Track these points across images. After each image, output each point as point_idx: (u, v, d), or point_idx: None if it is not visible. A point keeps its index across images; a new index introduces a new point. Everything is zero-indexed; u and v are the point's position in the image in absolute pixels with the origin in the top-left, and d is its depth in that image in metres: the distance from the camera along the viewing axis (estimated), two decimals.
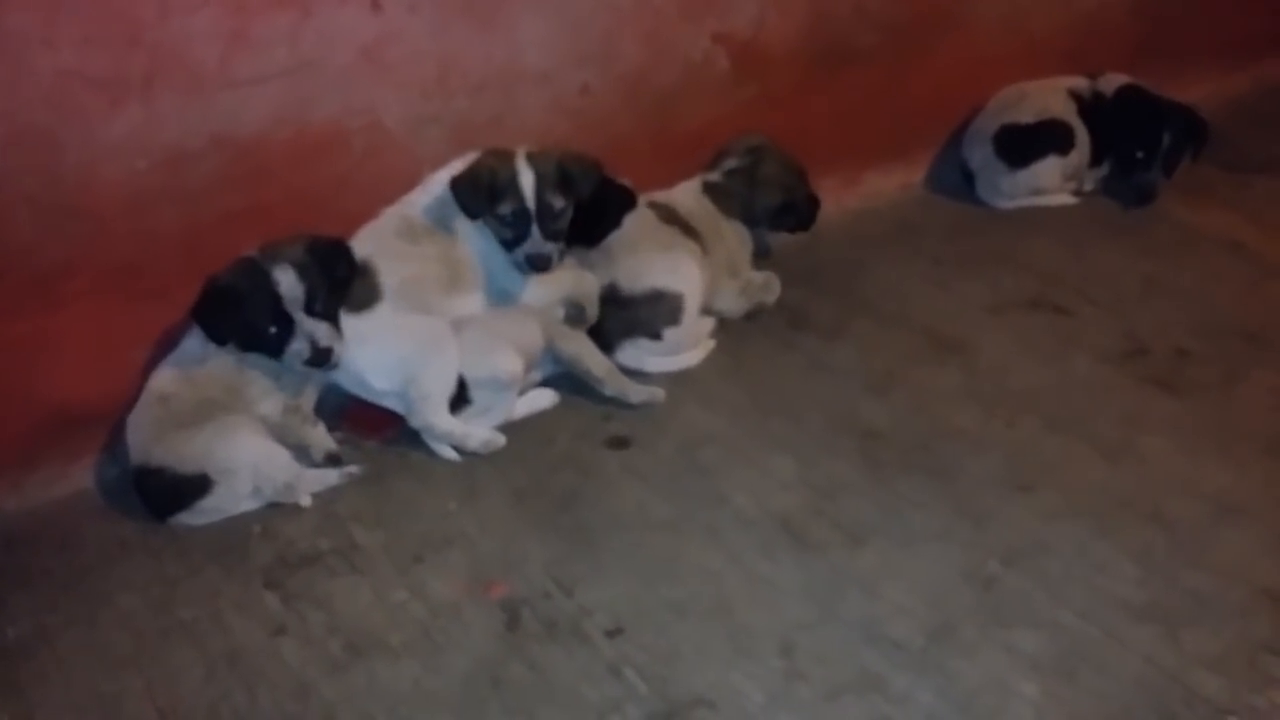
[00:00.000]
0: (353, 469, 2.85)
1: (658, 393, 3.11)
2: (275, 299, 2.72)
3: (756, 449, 2.94)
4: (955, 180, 4.18)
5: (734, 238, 3.47)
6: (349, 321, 2.86)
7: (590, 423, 3.04)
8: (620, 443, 2.98)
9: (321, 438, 2.91)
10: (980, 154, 4.05)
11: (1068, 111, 4.04)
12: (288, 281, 2.73)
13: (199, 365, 2.77)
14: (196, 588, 2.58)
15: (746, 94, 3.57)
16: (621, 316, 3.17)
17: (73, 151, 2.60)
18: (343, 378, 2.93)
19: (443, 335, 2.91)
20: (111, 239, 2.71)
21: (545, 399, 3.12)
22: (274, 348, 2.76)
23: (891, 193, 3.90)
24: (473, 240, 3.01)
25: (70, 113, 2.56)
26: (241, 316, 2.72)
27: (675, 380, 3.18)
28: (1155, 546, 2.61)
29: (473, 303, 3.03)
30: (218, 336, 2.73)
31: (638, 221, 3.24)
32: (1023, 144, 3.99)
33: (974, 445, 2.93)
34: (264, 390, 2.82)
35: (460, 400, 2.93)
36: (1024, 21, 4.14)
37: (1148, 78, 4.15)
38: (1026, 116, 4.00)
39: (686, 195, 3.44)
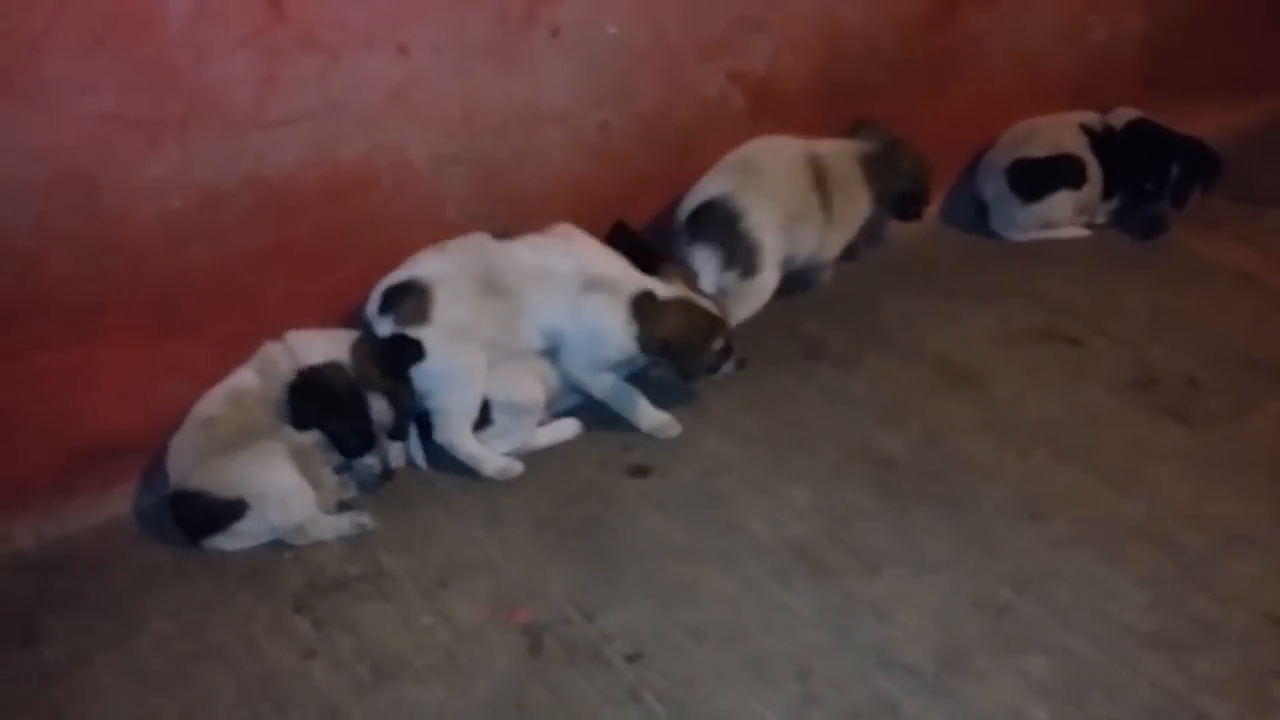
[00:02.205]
0: (364, 520, 2.87)
1: (673, 425, 3.18)
2: (366, 421, 2.87)
3: (773, 478, 3.00)
4: (968, 213, 4.24)
5: (861, 208, 3.68)
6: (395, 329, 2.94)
7: (611, 452, 3.11)
8: (640, 471, 3.04)
9: (333, 483, 2.95)
10: (993, 187, 4.12)
11: (1079, 146, 4.10)
12: (380, 409, 2.88)
13: (251, 392, 2.85)
14: (229, 612, 2.66)
15: (761, 131, 3.63)
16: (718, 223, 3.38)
17: (110, 191, 2.69)
18: None
19: (473, 368, 2.97)
20: (146, 275, 2.80)
21: (568, 429, 3.19)
22: (351, 454, 2.91)
23: (905, 226, 3.96)
24: (547, 318, 3.03)
25: (109, 154, 2.66)
26: (332, 424, 2.87)
27: (694, 411, 3.24)
28: (1164, 574, 2.65)
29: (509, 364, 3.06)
30: (305, 426, 2.86)
31: (785, 165, 3.49)
32: (1035, 178, 4.05)
33: (986, 475, 2.98)
34: None
35: (482, 420, 3.01)
36: (1033, 59, 4.21)
37: (1157, 111, 4.21)
38: (1039, 151, 4.07)
39: (842, 157, 3.63)
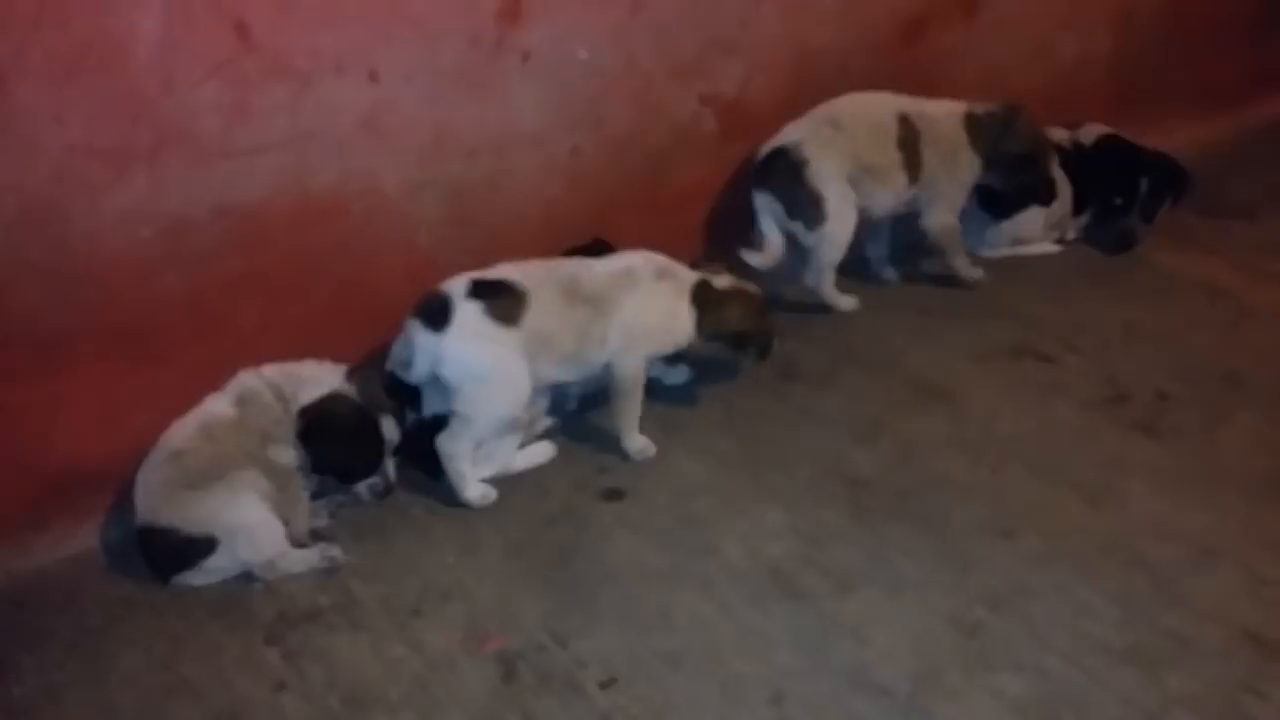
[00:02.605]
0: (335, 553, 2.85)
1: (651, 448, 3.19)
2: (382, 445, 2.94)
3: (748, 499, 3.00)
4: None
5: (965, 170, 3.74)
6: (480, 319, 2.88)
7: (585, 475, 3.11)
8: (615, 495, 3.04)
9: (307, 509, 2.95)
10: (965, 205, 4.13)
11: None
12: (389, 429, 2.95)
13: (226, 423, 2.83)
14: (199, 645, 2.63)
15: (734, 152, 3.67)
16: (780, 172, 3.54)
17: (79, 221, 2.68)
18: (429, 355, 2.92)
19: (521, 388, 2.95)
20: (116, 305, 2.79)
21: (543, 453, 3.18)
22: (357, 480, 2.96)
23: None
24: (629, 313, 3.07)
25: (77, 185, 2.65)
26: (353, 458, 2.94)
27: (667, 432, 3.24)
28: (1137, 589, 2.66)
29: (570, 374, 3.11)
30: (322, 469, 2.91)
31: (868, 121, 3.61)
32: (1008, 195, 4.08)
33: (960, 492, 2.99)
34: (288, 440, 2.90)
35: None
36: (1004, 77, 4.24)
37: (1127, 127, 4.26)
38: None
39: (946, 117, 3.72)
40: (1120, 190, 4.10)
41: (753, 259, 3.60)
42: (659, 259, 3.16)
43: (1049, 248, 4.16)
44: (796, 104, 3.76)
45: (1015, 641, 2.54)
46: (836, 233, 3.61)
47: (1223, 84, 4.98)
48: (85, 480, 2.89)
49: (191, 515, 2.71)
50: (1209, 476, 3.02)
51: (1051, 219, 4.14)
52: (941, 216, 3.81)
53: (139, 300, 2.82)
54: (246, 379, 2.87)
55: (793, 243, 3.67)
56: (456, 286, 2.92)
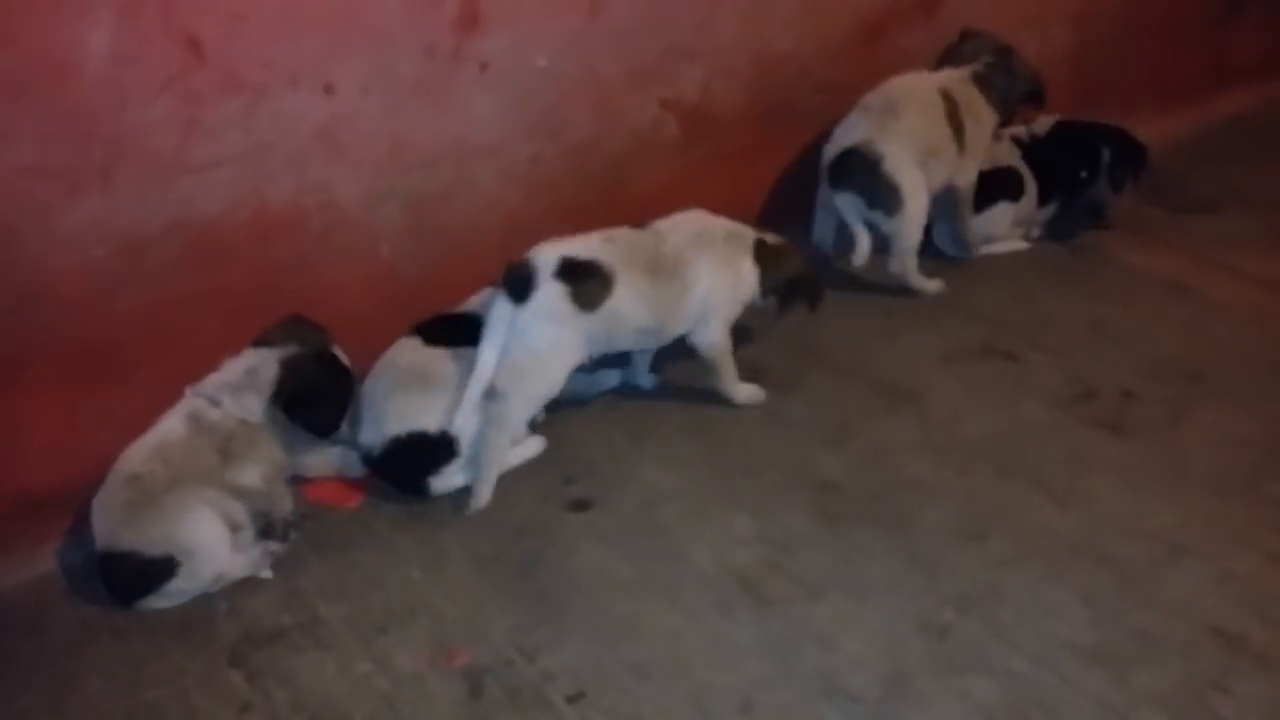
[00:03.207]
0: (275, 546, 2.85)
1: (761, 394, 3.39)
2: (352, 378, 3.01)
3: (715, 506, 2.99)
4: None
5: (989, 126, 3.96)
6: (560, 301, 2.93)
7: (552, 486, 3.09)
8: (581, 505, 3.02)
9: (289, 502, 2.96)
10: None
11: (1014, 158, 4.15)
12: (344, 356, 3.01)
13: (179, 443, 2.80)
14: (162, 668, 2.59)
15: (696, 156, 3.66)
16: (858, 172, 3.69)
17: (31, 241, 2.64)
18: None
19: (562, 377, 3.04)
20: (72, 325, 2.75)
21: (534, 447, 3.17)
22: (339, 426, 2.99)
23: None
24: (708, 280, 3.17)
25: (29, 205, 2.60)
26: (338, 405, 2.96)
27: (635, 440, 3.24)
28: (1104, 588, 2.67)
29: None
30: (319, 428, 2.94)
31: (921, 105, 3.76)
32: (976, 192, 4.09)
33: (927, 494, 2.99)
34: (259, 455, 2.87)
35: (449, 454, 2.98)
36: None
37: None
38: None
39: (965, 84, 3.91)
40: (1083, 163, 4.16)
41: (855, 259, 3.78)
42: (721, 220, 3.27)
43: (1018, 244, 4.17)
44: (758, 108, 3.78)
45: (984, 644, 2.54)
46: (914, 215, 3.77)
47: (1183, 79, 5.02)
48: (45, 502, 2.85)
49: (152, 537, 2.67)
50: (1174, 473, 3.03)
51: (1020, 215, 4.15)
52: (971, 174, 3.99)
53: (95, 320, 2.78)
54: (191, 399, 2.85)
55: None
56: (546, 261, 2.96)
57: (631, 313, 3.04)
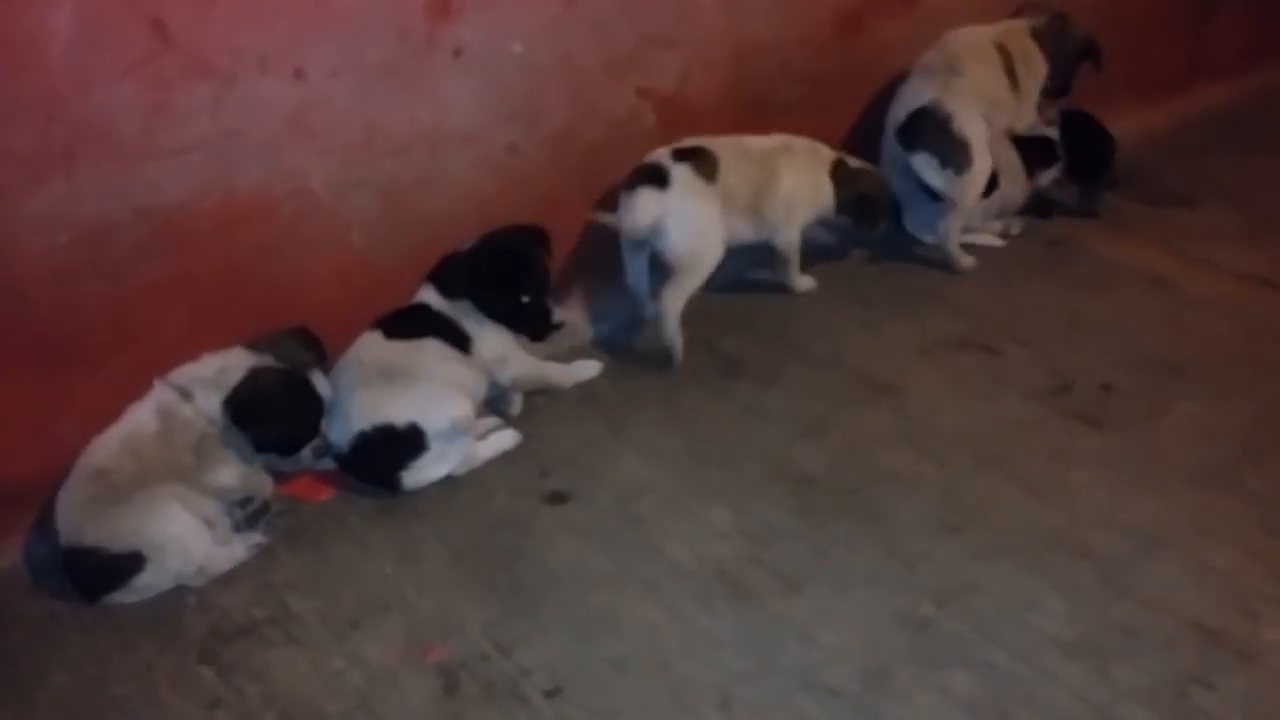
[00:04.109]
0: (258, 539, 2.82)
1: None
2: (319, 404, 2.91)
3: (693, 499, 2.96)
4: None
5: (1040, 73, 4.12)
6: (692, 178, 3.38)
7: (528, 479, 3.05)
8: (558, 498, 2.98)
9: (269, 485, 2.93)
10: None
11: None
12: (323, 386, 2.93)
13: (150, 437, 2.74)
14: (130, 664, 2.54)
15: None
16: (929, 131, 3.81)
17: None
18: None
19: (721, 242, 3.47)
20: (35, 314, 2.69)
21: (509, 439, 3.14)
22: (297, 449, 2.91)
23: (820, 237, 3.97)
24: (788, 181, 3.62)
25: None
26: (299, 430, 2.89)
27: (612, 432, 3.20)
28: (1083, 582, 2.65)
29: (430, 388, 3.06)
30: (272, 448, 2.87)
31: (981, 61, 3.91)
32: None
33: (906, 487, 2.97)
34: (230, 456, 2.82)
35: (418, 448, 2.93)
36: None
37: None
38: None
39: (1019, 36, 4.07)
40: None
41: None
42: (804, 139, 3.70)
43: (993, 241, 4.15)
44: (737, 98, 3.74)
45: (963, 638, 2.52)
46: (979, 174, 3.85)
47: (1161, 72, 5.02)
48: (9, 495, 2.79)
49: (118, 533, 2.62)
50: (1153, 466, 3.02)
51: (991, 209, 4.12)
52: (1030, 117, 4.18)
53: (59, 309, 2.72)
54: (161, 390, 2.79)
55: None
56: (661, 154, 3.43)
57: (738, 187, 3.48)
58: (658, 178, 3.35)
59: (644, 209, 3.33)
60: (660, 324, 3.43)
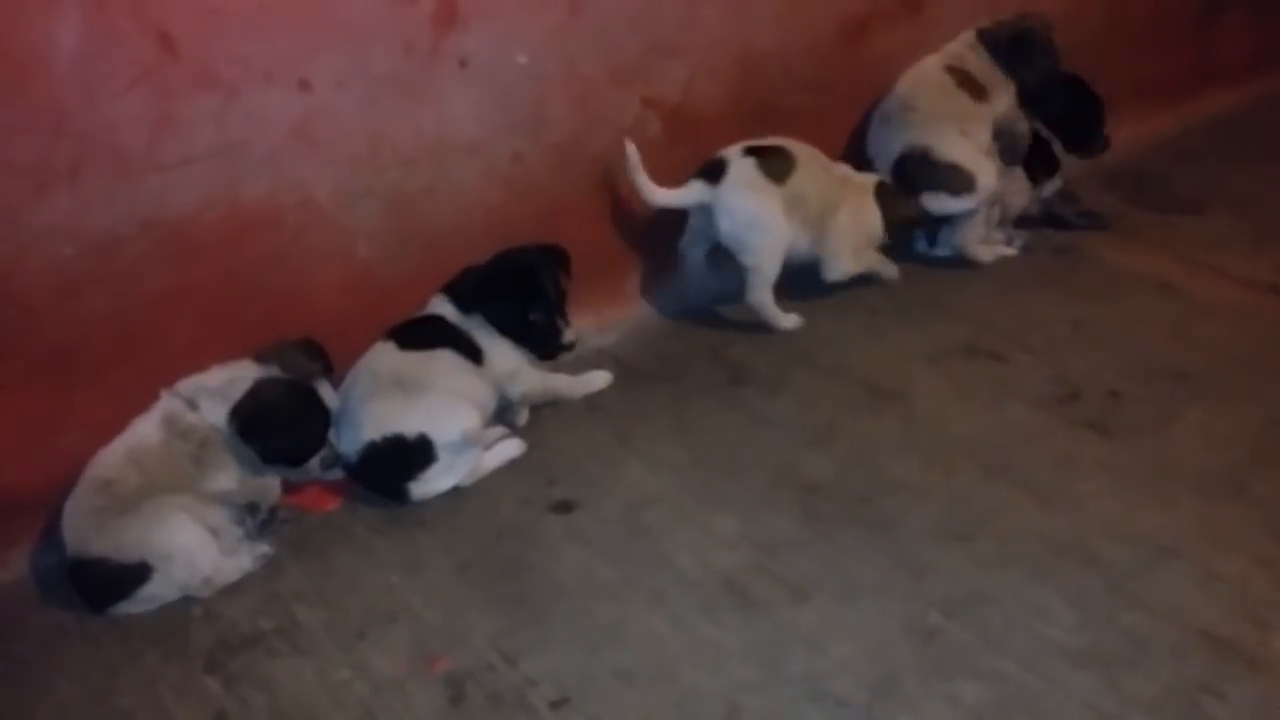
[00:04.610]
0: (265, 550, 2.82)
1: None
2: (326, 415, 2.89)
3: (700, 508, 2.95)
4: None
5: (998, 75, 4.02)
6: (753, 173, 3.48)
7: (534, 488, 3.04)
8: (564, 507, 2.98)
9: (276, 491, 2.92)
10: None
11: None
12: (329, 395, 2.91)
13: (154, 448, 2.74)
14: (136, 674, 2.54)
15: (679, 155, 3.61)
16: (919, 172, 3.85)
17: None
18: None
19: (784, 237, 3.55)
20: (40, 326, 2.69)
21: (513, 449, 3.14)
22: (304, 460, 2.89)
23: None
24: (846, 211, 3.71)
25: None
26: (305, 442, 2.87)
27: (619, 441, 3.20)
28: (1092, 590, 2.64)
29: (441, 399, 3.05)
30: (277, 460, 2.85)
31: (933, 89, 3.89)
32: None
33: (913, 495, 2.96)
34: (231, 463, 2.81)
35: (427, 459, 2.93)
36: None
37: None
38: None
39: (968, 51, 3.99)
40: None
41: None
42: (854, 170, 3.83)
43: (1006, 250, 4.12)
44: (741, 107, 3.73)
45: (971, 647, 2.50)
46: (988, 172, 3.87)
47: (1167, 78, 5.01)
48: (15, 506, 2.79)
49: (124, 543, 2.62)
50: (1161, 474, 3.00)
51: (993, 219, 4.10)
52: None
53: (64, 321, 2.73)
54: (168, 400, 2.79)
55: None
56: (732, 149, 3.52)
57: (810, 196, 3.54)
58: (713, 171, 3.47)
59: (689, 199, 3.48)
60: (761, 315, 3.62)
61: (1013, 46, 3.98)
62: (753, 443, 3.19)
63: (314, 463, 2.91)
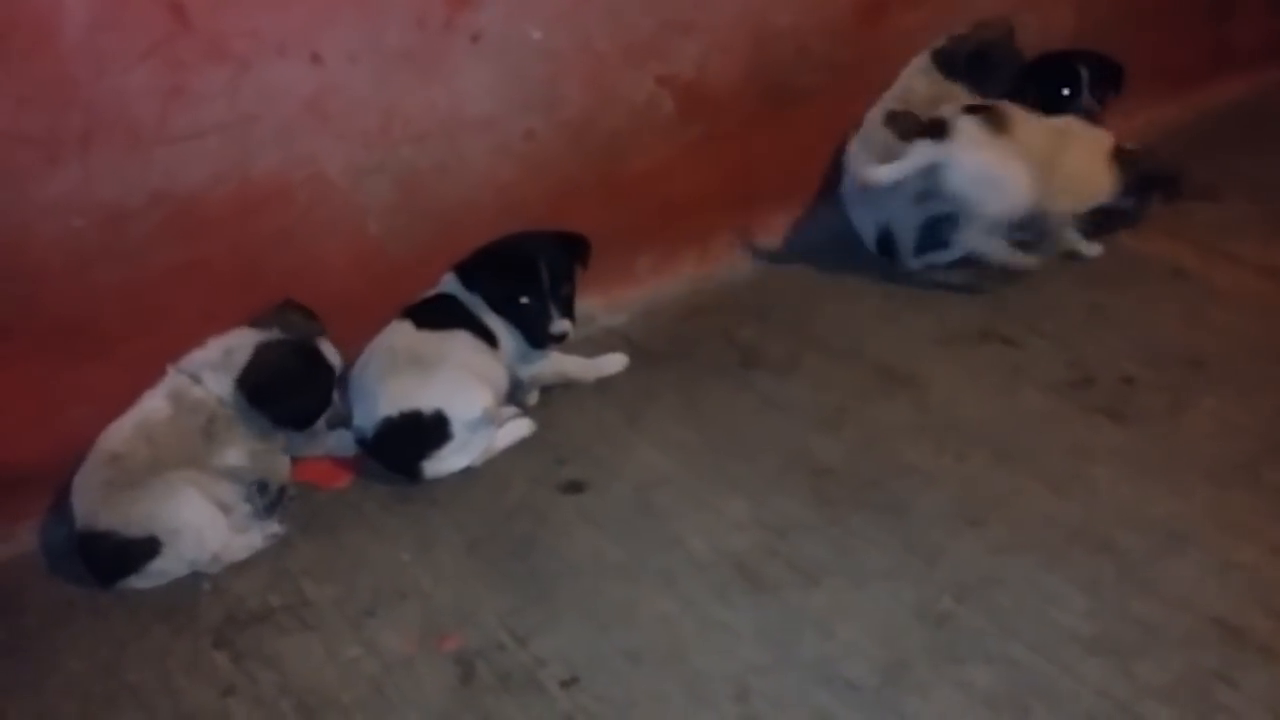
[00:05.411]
0: (276, 529, 2.81)
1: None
2: (331, 374, 2.89)
3: (710, 490, 2.94)
4: None
5: (957, 90, 3.95)
6: (978, 129, 3.53)
7: (545, 468, 3.03)
8: (575, 487, 2.97)
9: (286, 468, 2.92)
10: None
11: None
12: (330, 353, 2.90)
13: (163, 423, 2.74)
14: (144, 649, 2.55)
15: (692, 134, 3.59)
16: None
17: (8, 212, 2.57)
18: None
19: (1022, 184, 3.56)
20: (49, 298, 2.69)
21: (523, 428, 3.13)
22: (311, 421, 2.90)
23: (840, 226, 3.94)
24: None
25: (5, 174, 2.54)
26: (315, 401, 2.87)
27: (629, 422, 3.18)
28: (1104, 577, 2.62)
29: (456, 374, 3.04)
30: (283, 420, 2.85)
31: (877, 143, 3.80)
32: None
33: (925, 480, 2.94)
34: (239, 435, 2.81)
35: (442, 437, 2.92)
36: None
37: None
38: None
39: (918, 78, 3.94)
40: (1064, 80, 4.05)
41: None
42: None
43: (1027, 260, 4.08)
44: (756, 86, 3.70)
45: (983, 632, 2.49)
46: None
47: (1182, 65, 4.96)
48: (24, 480, 2.79)
49: (132, 517, 2.62)
50: (1174, 461, 2.98)
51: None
52: None
53: (74, 293, 2.72)
54: (174, 376, 2.78)
55: None
56: (948, 110, 3.62)
57: (1034, 148, 3.55)
58: (937, 130, 3.53)
59: (917, 163, 3.51)
60: (998, 262, 3.69)
61: (971, 64, 3.93)
62: (764, 425, 3.18)
63: (320, 423, 2.91)
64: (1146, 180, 3.79)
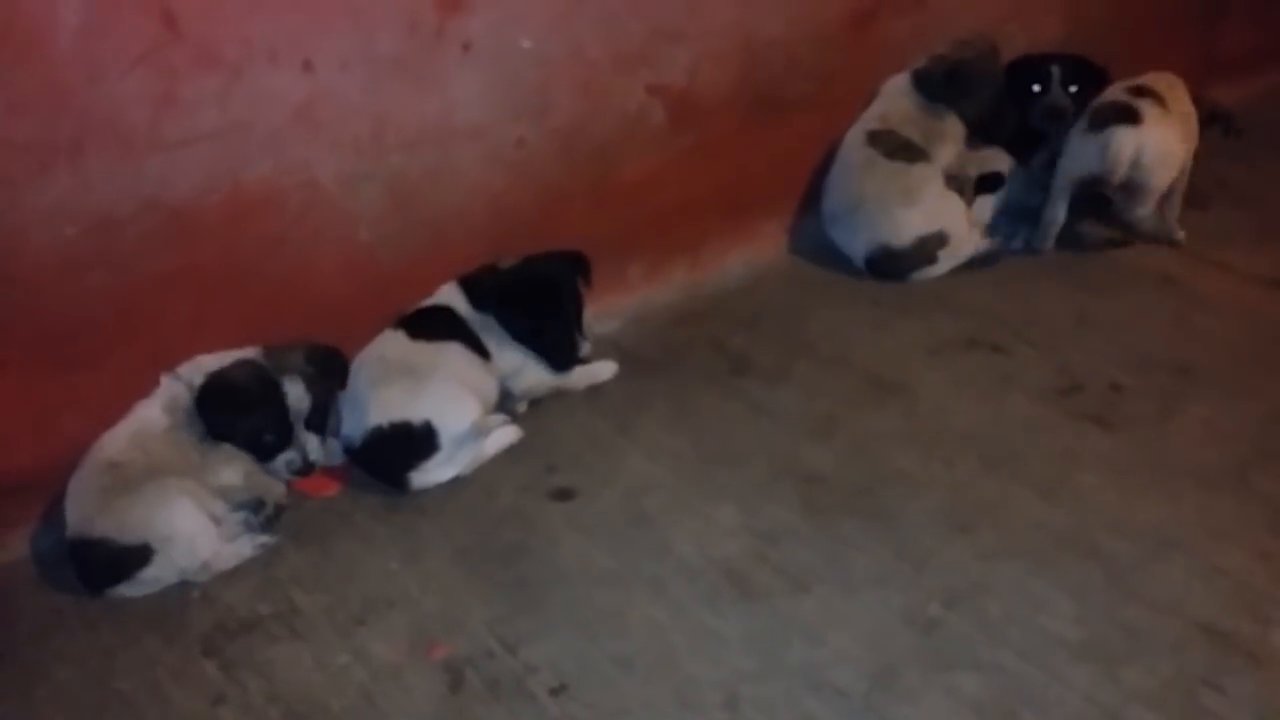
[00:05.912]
0: (265, 539, 2.81)
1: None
2: (282, 410, 2.82)
3: (700, 497, 2.94)
4: None
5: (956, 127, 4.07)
6: (1157, 110, 3.77)
7: (534, 475, 3.04)
8: (564, 495, 2.97)
9: (282, 489, 2.91)
10: None
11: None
12: (295, 394, 2.83)
13: (160, 433, 2.74)
14: (134, 658, 2.54)
15: (683, 143, 3.60)
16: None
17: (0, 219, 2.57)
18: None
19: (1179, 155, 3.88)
20: (41, 306, 2.68)
21: (511, 435, 3.13)
22: (267, 454, 2.85)
23: (829, 235, 3.96)
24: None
25: None
26: (245, 421, 2.80)
27: (619, 429, 3.19)
28: (1092, 583, 2.64)
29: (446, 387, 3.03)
30: (221, 435, 2.80)
31: (861, 168, 3.87)
32: None
33: (914, 487, 2.95)
34: (234, 453, 2.81)
35: (430, 448, 2.92)
36: None
37: None
38: None
39: (897, 100, 3.99)
40: (1034, 78, 4.08)
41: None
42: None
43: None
44: (746, 95, 3.71)
45: (971, 639, 2.50)
46: (961, 231, 3.93)
47: (1170, 72, 4.98)
48: (14, 488, 2.78)
49: (127, 523, 2.62)
50: (1163, 467, 3.00)
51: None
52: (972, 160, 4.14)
53: (65, 301, 2.71)
54: (169, 384, 2.78)
55: None
56: (1116, 91, 3.86)
57: (1186, 111, 3.87)
58: (1131, 115, 3.71)
59: (1123, 146, 3.68)
60: (1159, 231, 3.99)
61: (949, 83, 3.94)
62: (753, 433, 3.18)
63: (279, 462, 2.88)
64: (1207, 118, 4.05)
